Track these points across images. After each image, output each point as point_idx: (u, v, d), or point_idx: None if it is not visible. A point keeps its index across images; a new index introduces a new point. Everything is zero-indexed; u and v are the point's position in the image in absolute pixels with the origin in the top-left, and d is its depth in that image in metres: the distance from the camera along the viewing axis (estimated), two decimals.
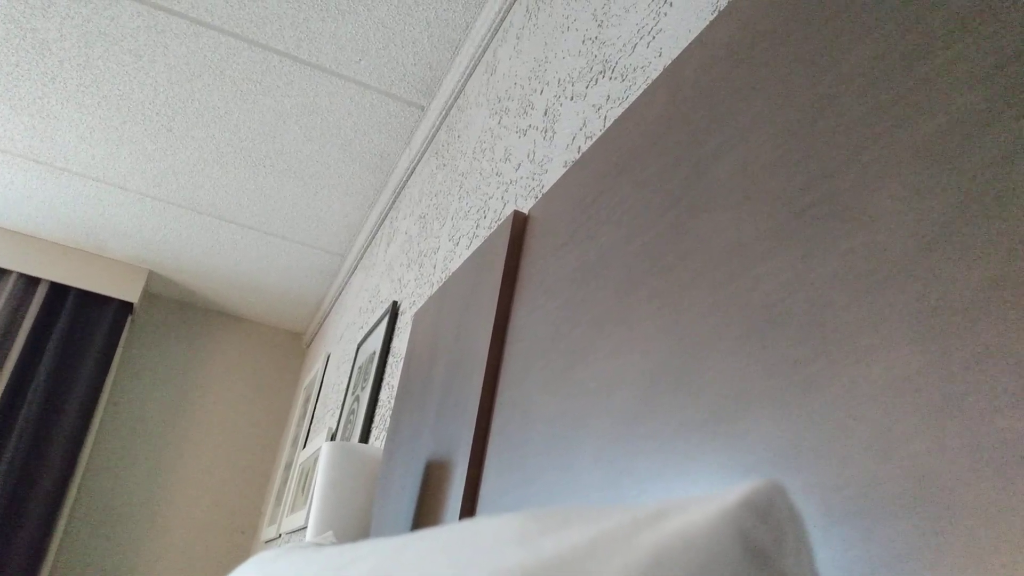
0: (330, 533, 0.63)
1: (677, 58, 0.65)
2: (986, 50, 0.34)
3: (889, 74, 0.40)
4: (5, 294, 3.17)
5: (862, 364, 0.36)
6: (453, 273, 1.14)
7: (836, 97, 0.44)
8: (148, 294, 3.64)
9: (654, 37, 0.86)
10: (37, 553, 2.96)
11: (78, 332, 3.25)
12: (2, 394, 3.05)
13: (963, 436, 0.30)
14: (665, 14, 0.85)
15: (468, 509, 0.79)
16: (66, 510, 3.15)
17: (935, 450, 0.31)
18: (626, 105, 0.87)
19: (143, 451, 3.46)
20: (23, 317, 3.18)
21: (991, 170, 0.33)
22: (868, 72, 0.42)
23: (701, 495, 0.19)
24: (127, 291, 3.31)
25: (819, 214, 0.42)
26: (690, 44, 0.64)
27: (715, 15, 0.70)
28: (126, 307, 3.34)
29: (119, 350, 3.36)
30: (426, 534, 0.26)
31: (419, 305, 1.64)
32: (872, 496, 0.33)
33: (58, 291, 3.27)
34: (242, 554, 3.50)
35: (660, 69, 0.81)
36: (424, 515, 0.89)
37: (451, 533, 0.24)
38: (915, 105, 0.38)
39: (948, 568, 0.28)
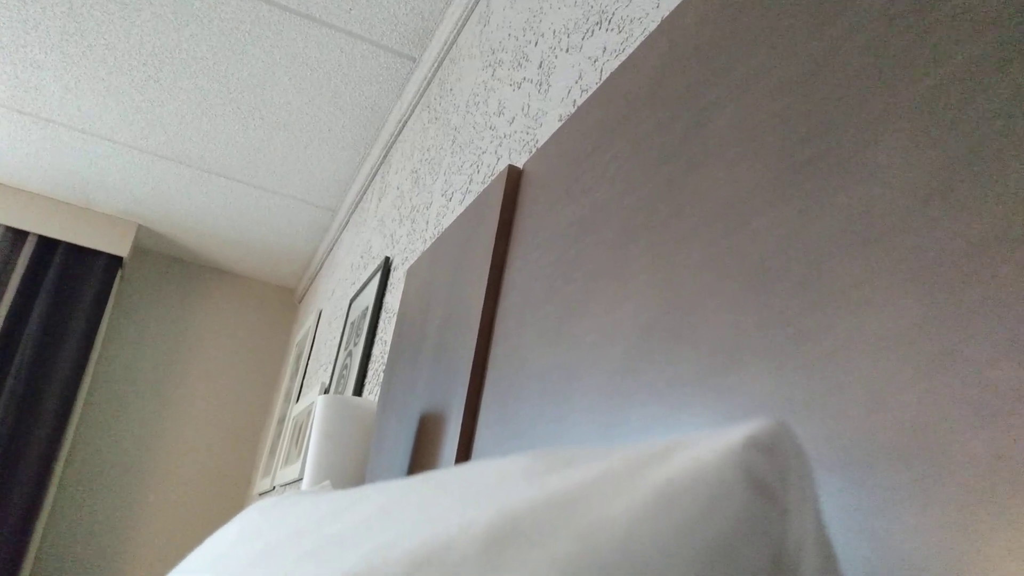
0: (327, 483, 0.64)
1: (675, 9, 0.64)
2: (991, 2, 0.34)
3: (892, 26, 0.40)
4: None
5: (857, 317, 0.36)
6: (447, 228, 1.13)
7: (838, 50, 0.43)
8: (138, 248, 3.62)
9: None
10: (31, 508, 2.99)
11: (68, 286, 3.23)
12: None
13: (956, 387, 0.30)
14: None
15: (462, 460, 0.80)
16: (59, 465, 3.18)
17: (928, 401, 0.31)
18: (623, 58, 0.86)
19: (135, 406, 3.47)
20: (11, 271, 3.16)
21: (991, 124, 0.32)
22: (871, 25, 0.41)
23: (706, 432, 0.19)
24: (116, 245, 3.29)
25: (817, 168, 0.42)
26: None
27: None
28: (116, 261, 3.33)
29: (109, 305, 3.35)
30: (429, 475, 0.26)
31: (412, 261, 1.64)
32: (865, 446, 0.33)
33: (47, 245, 3.24)
34: (236, 506, 3.54)
35: (658, 21, 0.80)
36: (418, 467, 0.90)
37: (454, 474, 0.24)
38: (917, 58, 0.37)
39: (939, 514, 0.29)
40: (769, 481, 0.17)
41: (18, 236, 3.20)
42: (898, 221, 0.36)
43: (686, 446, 0.18)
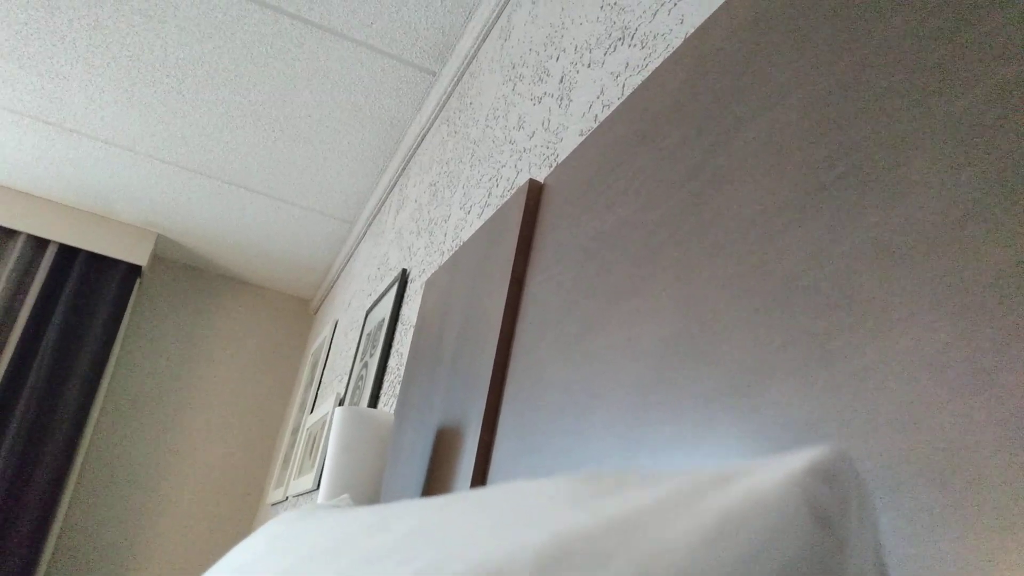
0: (346, 496, 0.64)
1: (702, 25, 0.64)
2: None
3: (925, 44, 0.39)
4: (15, 255, 3.18)
5: (888, 338, 0.36)
6: (466, 241, 1.14)
7: (868, 67, 0.43)
8: (156, 258, 3.65)
9: (676, 3, 0.84)
10: (46, 512, 3.00)
11: (87, 294, 3.26)
12: (13, 354, 3.07)
13: (992, 411, 0.30)
14: None
15: (480, 474, 0.80)
16: (75, 471, 3.20)
17: (963, 423, 0.31)
18: (646, 73, 0.86)
19: (151, 413, 3.49)
20: (32, 278, 3.19)
21: None
22: (903, 42, 0.41)
23: (764, 459, 0.19)
24: (135, 254, 3.32)
25: (847, 186, 0.41)
26: (716, 11, 0.63)
27: None
28: (134, 270, 3.35)
29: (127, 313, 3.38)
30: (465, 495, 0.26)
31: (429, 273, 1.64)
32: (897, 469, 0.33)
33: (67, 253, 3.28)
34: (249, 515, 3.55)
35: (682, 36, 0.80)
36: (435, 480, 0.90)
37: (496, 494, 0.24)
38: (951, 77, 0.37)
39: (975, 540, 0.28)
40: (830, 512, 0.16)
41: (40, 244, 3.24)
42: (931, 241, 0.35)
43: (745, 473, 0.18)
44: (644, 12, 0.92)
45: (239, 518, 3.52)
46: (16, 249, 3.19)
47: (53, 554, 3.20)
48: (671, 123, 0.63)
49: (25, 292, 3.17)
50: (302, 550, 0.31)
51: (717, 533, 0.16)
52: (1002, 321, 0.31)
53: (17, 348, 3.08)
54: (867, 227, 0.39)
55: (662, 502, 0.18)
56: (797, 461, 0.18)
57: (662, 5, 0.88)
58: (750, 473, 0.18)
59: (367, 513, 0.31)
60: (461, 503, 0.24)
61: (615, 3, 1.03)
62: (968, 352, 0.32)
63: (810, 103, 0.47)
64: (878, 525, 0.19)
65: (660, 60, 0.83)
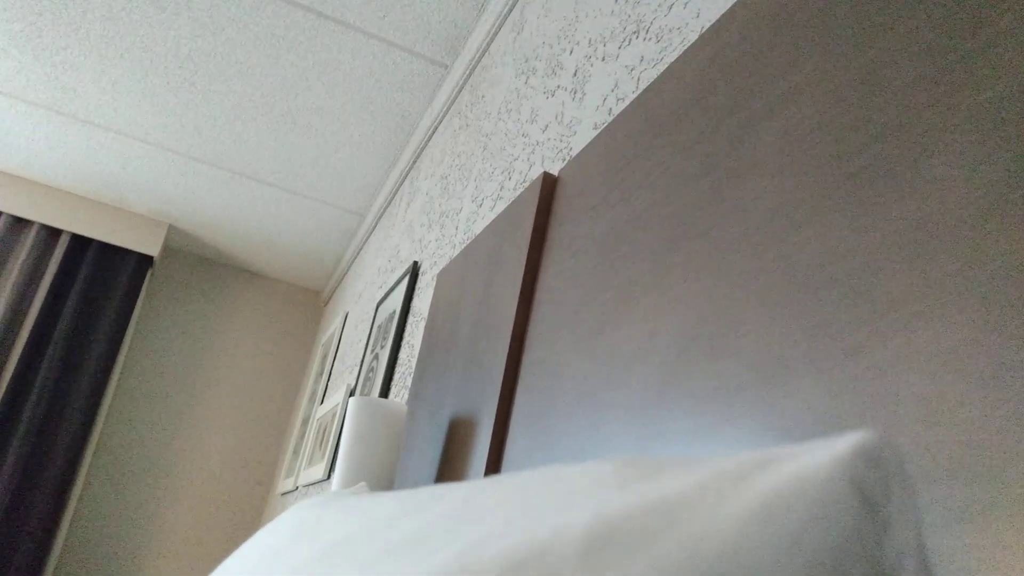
0: (363, 484, 0.64)
1: (719, 19, 0.64)
2: None
3: (947, 38, 0.39)
4: (28, 244, 3.20)
5: (910, 331, 0.36)
6: (479, 233, 1.14)
7: (889, 62, 0.43)
8: (168, 248, 3.67)
9: None
10: (57, 504, 3.03)
11: (99, 284, 3.29)
12: (25, 343, 3.10)
13: (1014, 406, 0.30)
14: None
15: (493, 465, 0.80)
16: (86, 462, 3.22)
17: (985, 418, 0.31)
18: (661, 67, 0.86)
19: (162, 404, 3.52)
20: (45, 268, 3.22)
21: None
22: (924, 36, 0.41)
23: (806, 444, 0.19)
24: (147, 245, 3.34)
25: (868, 179, 0.41)
26: (733, 5, 0.63)
27: None
28: (146, 261, 3.37)
29: (139, 303, 3.40)
30: (500, 479, 0.26)
31: (440, 265, 1.64)
32: (919, 462, 0.33)
33: (79, 243, 3.30)
34: (258, 505, 3.57)
35: (697, 30, 0.80)
36: (448, 471, 0.91)
37: (530, 478, 0.24)
38: (973, 71, 0.37)
39: (997, 533, 0.29)
40: (874, 493, 0.17)
41: (52, 234, 3.26)
42: (953, 235, 0.35)
43: (790, 456, 0.18)
44: (660, 6, 0.92)
45: (249, 508, 3.54)
46: (29, 239, 3.21)
47: (65, 544, 3.23)
48: (688, 117, 0.63)
49: (38, 282, 3.20)
50: (331, 535, 0.31)
51: (765, 513, 0.16)
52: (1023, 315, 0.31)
53: (30, 337, 3.11)
54: (888, 221, 0.39)
55: (706, 484, 0.18)
56: (842, 444, 0.18)
57: None
58: (795, 456, 0.18)
59: (395, 498, 0.32)
60: (499, 486, 0.25)
61: None
62: (989, 347, 0.32)
63: (831, 96, 0.47)
64: (919, 509, 0.20)
65: (676, 54, 0.83)
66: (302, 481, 2.52)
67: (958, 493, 0.31)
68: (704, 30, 0.75)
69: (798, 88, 0.50)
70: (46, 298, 3.17)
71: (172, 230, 3.45)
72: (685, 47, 0.80)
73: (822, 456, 0.17)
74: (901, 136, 0.40)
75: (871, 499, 0.16)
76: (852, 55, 0.46)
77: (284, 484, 2.96)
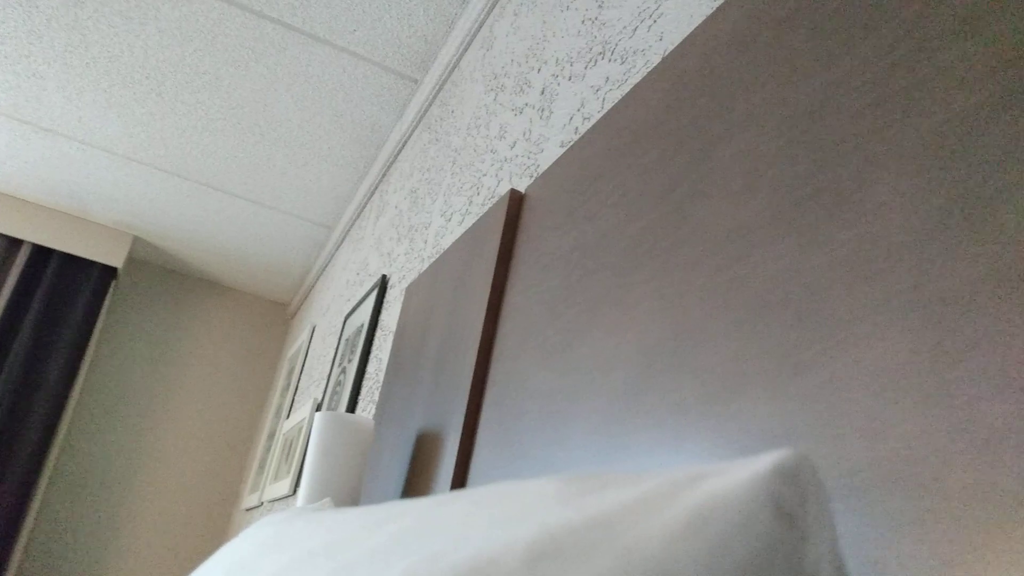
0: (328, 500, 0.64)
1: (681, 43, 0.66)
2: (986, 53, 0.36)
3: (893, 70, 0.41)
4: None
5: (855, 350, 0.38)
6: (448, 248, 1.15)
7: (840, 89, 0.45)
8: (132, 260, 3.62)
9: (655, 20, 0.86)
10: (15, 516, 2.96)
11: (61, 296, 3.23)
12: None
13: (952, 420, 0.32)
14: None
15: (459, 479, 0.81)
16: (46, 474, 3.15)
17: (925, 433, 0.32)
18: (625, 88, 0.88)
19: (125, 417, 3.45)
20: (5, 278, 3.15)
21: (987, 168, 0.34)
22: (872, 68, 0.43)
23: (734, 461, 0.20)
24: (111, 256, 3.29)
25: (818, 203, 0.43)
26: (695, 30, 0.65)
27: (720, 1, 0.71)
28: (110, 272, 3.32)
29: (102, 315, 3.34)
30: (457, 495, 0.27)
31: (409, 279, 1.65)
32: (863, 476, 0.34)
33: (41, 253, 3.24)
34: (223, 521, 3.52)
35: (661, 53, 0.82)
36: (415, 485, 0.91)
37: (483, 494, 0.25)
38: (917, 102, 0.39)
39: (935, 542, 0.30)
40: (791, 507, 0.18)
41: (12, 244, 3.19)
42: (896, 258, 0.37)
43: (716, 473, 0.20)
44: (624, 28, 0.94)
45: (214, 524, 3.48)
46: None
47: (22, 560, 3.15)
48: (651, 138, 0.65)
49: None
50: (295, 550, 0.32)
51: (687, 527, 0.17)
52: (961, 334, 0.32)
53: None
54: (837, 243, 0.41)
55: (641, 500, 0.19)
56: (762, 462, 0.19)
57: (642, 22, 0.90)
58: (720, 473, 0.20)
59: (358, 513, 0.33)
60: (453, 502, 0.26)
61: (596, 18, 1.05)
62: (930, 364, 0.34)
63: (784, 122, 0.49)
64: (835, 521, 0.21)
65: (640, 76, 0.85)
66: (267, 496, 2.49)
67: (900, 506, 0.32)
68: (667, 53, 0.77)
69: (755, 113, 0.52)
70: (6, 309, 3.11)
71: (137, 241, 3.41)
72: (649, 69, 0.82)
73: (744, 473, 0.19)
74: (848, 161, 0.42)
75: (789, 512, 0.18)
76: (804, 82, 0.48)
77: (249, 500, 2.92)
